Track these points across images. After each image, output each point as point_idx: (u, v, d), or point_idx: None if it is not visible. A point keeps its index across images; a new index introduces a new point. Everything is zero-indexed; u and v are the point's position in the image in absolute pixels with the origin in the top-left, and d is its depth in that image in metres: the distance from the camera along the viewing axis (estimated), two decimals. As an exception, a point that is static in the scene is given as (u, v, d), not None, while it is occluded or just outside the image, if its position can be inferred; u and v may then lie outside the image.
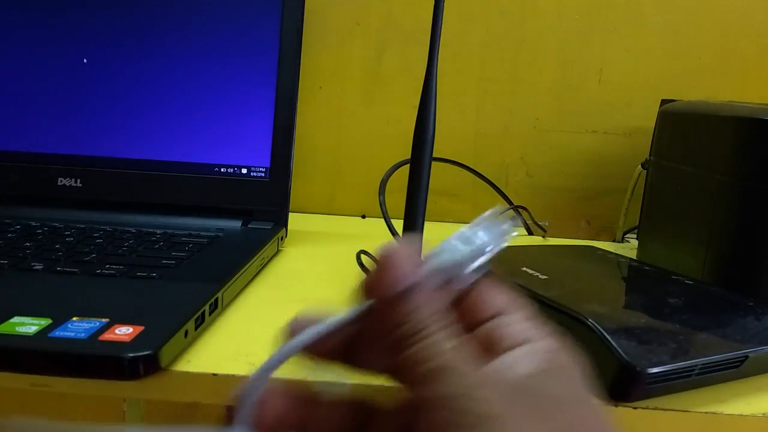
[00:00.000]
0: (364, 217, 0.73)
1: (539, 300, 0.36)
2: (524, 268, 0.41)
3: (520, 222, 0.26)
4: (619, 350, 0.31)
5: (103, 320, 0.34)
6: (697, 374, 0.32)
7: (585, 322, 0.33)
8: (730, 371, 0.34)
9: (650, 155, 0.55)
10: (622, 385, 0.31)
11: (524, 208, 0.68)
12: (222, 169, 0.57)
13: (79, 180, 0.57)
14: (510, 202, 0.68)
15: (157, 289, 0.40)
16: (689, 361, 0.32)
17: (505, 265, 0.42)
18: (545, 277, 0.40)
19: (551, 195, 0.71)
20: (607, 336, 0.32)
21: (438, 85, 0.45)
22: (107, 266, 0.43)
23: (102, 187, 0.57)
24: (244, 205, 0.57)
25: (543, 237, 0.67)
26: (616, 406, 0.32)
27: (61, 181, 0.57)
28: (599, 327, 0.32)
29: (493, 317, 0.22)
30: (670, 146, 0.52)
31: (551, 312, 0.35)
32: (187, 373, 0.33)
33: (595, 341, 0.32)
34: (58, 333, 0.32)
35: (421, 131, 0.45)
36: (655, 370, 0.30)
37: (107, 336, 0.32)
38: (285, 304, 0.44)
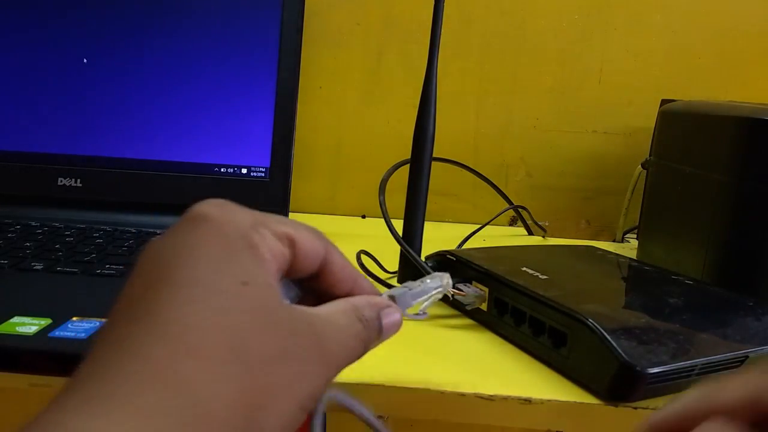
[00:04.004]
0: (364, 217, 0.73)
1: (539, 300, 0.36)
2: (524, 268, 0.41)
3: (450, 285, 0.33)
4: (619, 350, 0.31)
5: (103, 320, 0.34)
6: (698, 374, 0.32)
7: (585, 323, 0.33)
8: (731, 371, 0.34)
9: (650, 155, 0.55)
10: (623, 385, 0.31)
11: (524, 208, 0.68)
12: (222, 169, 0.57)
13: (79, 180, 0.57)
14: (510, 202, 0.68)
15: (157, 289, 0.40)
16: (689, 361, 0.32)
17: (506, 265, 0.42)
18: (545, 277, 0.40)
19: (551, 195, 0.71)
20: (607, 336, 0.32)
21: (438, 85, 0.45)
22: (107, 266, 0.43)
23: (102, 187, 0.57)
24: (244, 204, 0.57)
25: (543, 237, 0.67)
26: (616, 406, 0.32)
27: (61, 181, 0.57)
28: (599, 327, 0.32)
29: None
30: (670, 146, 0.52)
31: (551, 312, 0.35)
32: (187, 373, 0.33)
33: (596, 341, 0.32)
34: (58, 333, 0.32)
35: (421, 131, 0.45)
36: (655, 370, 0.30)
37: (107, 336, 0.32)
38: (285, 304, 0.44)
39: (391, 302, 0.28)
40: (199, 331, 0.20)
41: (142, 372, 0.18)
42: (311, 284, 0.27)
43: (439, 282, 0.32)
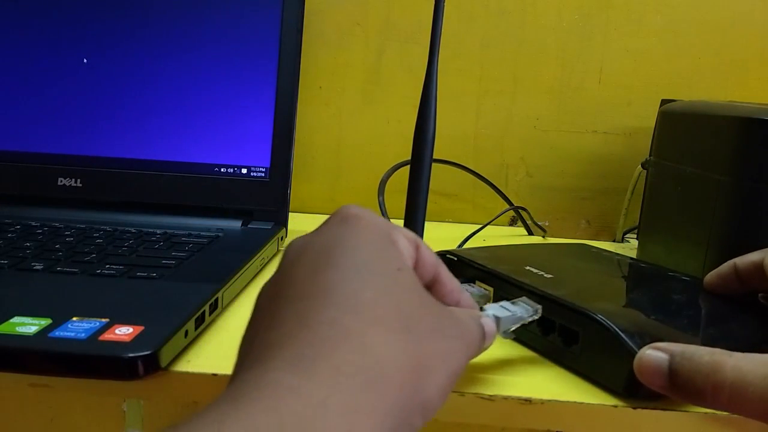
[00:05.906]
0: (364, 217, 0.73)
1: (549, 299, 0.36)
2: (528, 267, 0.41)
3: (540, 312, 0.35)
4: (635, 348, 0.31)
5: (103, 320, 0.34)
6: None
7: (598, 321, 0.33)
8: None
9: (650, 155, 0.55)
10: (638, 381, 0.31)
11: (524, 209, 0.68)
12: (222, 169, 0.57)
13: (79, 180, 0.57)
14: (510, 203, 0.68)
15: (157, 289, 0.40)
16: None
17: (509, 265, 0.42)
18: (550, 275, 0.40)
19: (551, 195, 0.71)
20: (621, 334, 0.32)
21: (438, 85, 0.45)
22: (107, 266, 0.43)
23: (102, 187, 0.57)
24: (244, 205, 0.57)
25: (543, 237, 0.67)
26: (615, 407, 0.32)
27: (61, 181, 0.57)
28: (613, 325, 0.32)
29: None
30: (670, 146, 0.52)
31: (562, 310, 0.35)
32: (187, 373, 0.33)
33: (609, 338, 0.32)
34: (58, 333, 0.32)
35: (422, 131, 0.45)
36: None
37: (107, 336, 0.32)
38: (285, 304, 0.44)
39: (486, 315, 0.31)
40: (374, 305, 0.23)
41: (336, 337, 0.21)
42: None
43: (533, 311, 0.34)
